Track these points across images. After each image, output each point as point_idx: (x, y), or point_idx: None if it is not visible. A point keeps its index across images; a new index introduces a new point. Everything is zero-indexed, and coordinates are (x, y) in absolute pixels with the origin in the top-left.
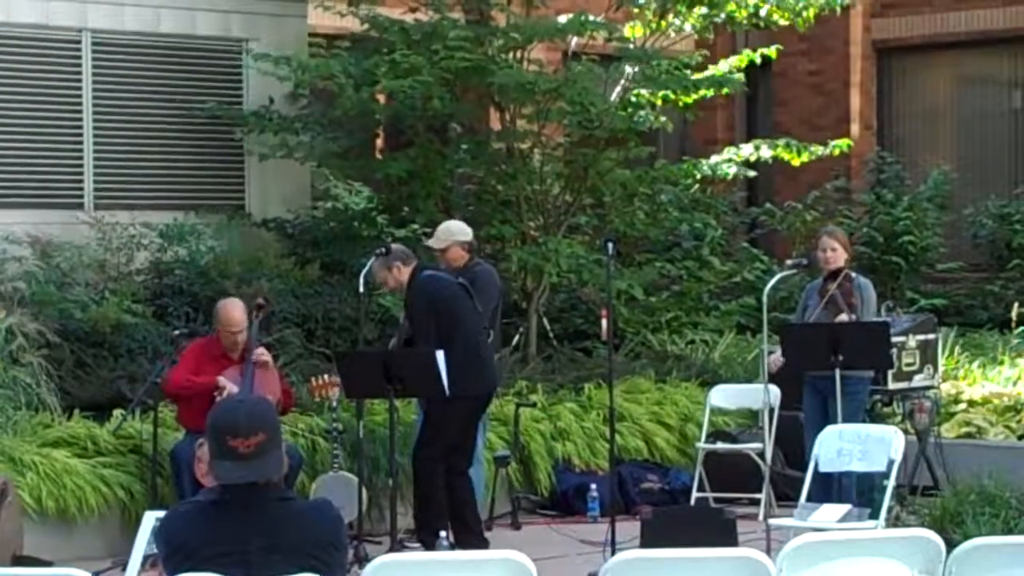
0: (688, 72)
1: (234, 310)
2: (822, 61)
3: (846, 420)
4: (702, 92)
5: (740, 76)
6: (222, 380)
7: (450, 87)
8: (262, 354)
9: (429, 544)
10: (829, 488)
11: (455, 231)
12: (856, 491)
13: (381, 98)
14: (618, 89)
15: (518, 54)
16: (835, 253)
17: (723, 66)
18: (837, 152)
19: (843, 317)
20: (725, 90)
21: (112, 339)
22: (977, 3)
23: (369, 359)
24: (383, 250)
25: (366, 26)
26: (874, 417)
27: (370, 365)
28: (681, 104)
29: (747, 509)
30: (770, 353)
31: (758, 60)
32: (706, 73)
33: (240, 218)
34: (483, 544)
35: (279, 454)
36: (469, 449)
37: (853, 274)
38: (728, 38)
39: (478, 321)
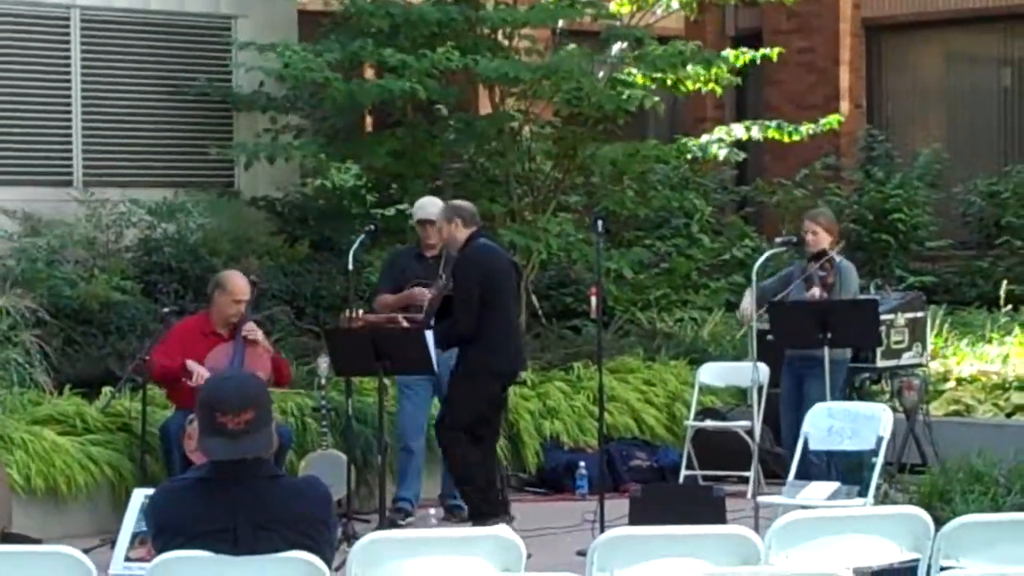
0: (679, 51)
1: (241, 279)
2: (811, 39)
3: (819, 401)
4: (696, 84)
5: (731, 64)
6: (190, 363)
7: (437, 78)
8: (252, 330)
9: (479, 513)
10: (807, 466)
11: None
12: (838, 469)
13: (368, 73)
14: (605, 68)
15: (507, 31)
16: (816, 236)
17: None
18: (828, 128)
19: (814, 292)
20: (719, 89)
21: (101, 316)
22: None
23: (358, 336)
24: (372, 227)
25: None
26: (863, 395)
27: (359, 342)
28: (671, 82)
29: (736, 487)
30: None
31: (757, 60)
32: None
33: (230, 196)
34: (494, 500)
35: (269, 431)
36: (496, 424)
37: (837, 257)
38: (717, 17)
39: (516, 301)
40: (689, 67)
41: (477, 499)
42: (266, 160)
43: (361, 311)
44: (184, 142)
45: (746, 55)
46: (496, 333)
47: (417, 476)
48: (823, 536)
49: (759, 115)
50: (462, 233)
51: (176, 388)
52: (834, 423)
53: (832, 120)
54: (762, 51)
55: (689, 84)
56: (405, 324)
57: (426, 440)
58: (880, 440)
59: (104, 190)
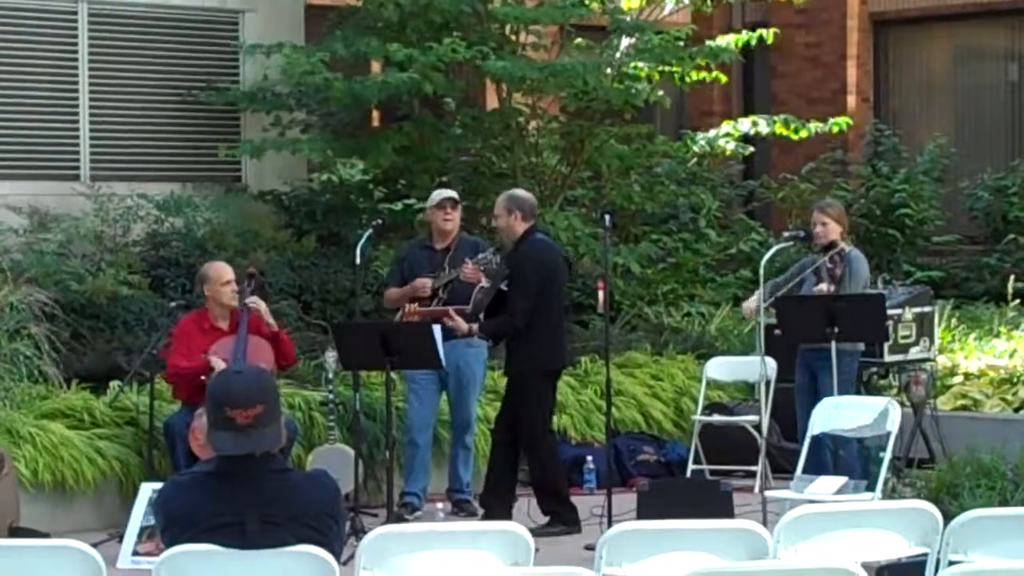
0: (682, 44)
1: (219, 263)
2: (819, 34)
3: (829, 395)
4: (702, 74)
5: (735, 49)
6: (214, 360)
7: (443, 71)
8: (255, 301)
9: (559, 513)
10: (824, 460)
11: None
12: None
13: (375, 67)
14: (614, 62)
15: (515, 26)
16: (825, 228)
17: (720, 42)
18: (836, 130)
19: (821, 287)
20: (723, 77)
21: (108, 311)
22: None
23: (366, 331)
24: (379, 222)
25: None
26: (870, 389)
27: (367, 337)
28: (677, 79)
29: (743, 481)
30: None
31: (753, 42)
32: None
33: (237, 190)
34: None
35: (277, 426)
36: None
37: (846, 248)
38: (724, 12)
39: (564, 296)
40: (697, 60)
41: (567, 507)
42: (273, 150)
43: (416, 305)
44: (191, 136)
45: (745, 36)
46: (547, 329)
47: (424, 470)
48: (831, 531)
49: (766, 109)
50: (520, 226)
51: (184, 385)
52: (840, 416)
53: (841, 122)
54: (759, 32)
55: (694, 74)
56: (455, 316)
57: (433, 435)
58: (888, 435)
59: (111, 184)
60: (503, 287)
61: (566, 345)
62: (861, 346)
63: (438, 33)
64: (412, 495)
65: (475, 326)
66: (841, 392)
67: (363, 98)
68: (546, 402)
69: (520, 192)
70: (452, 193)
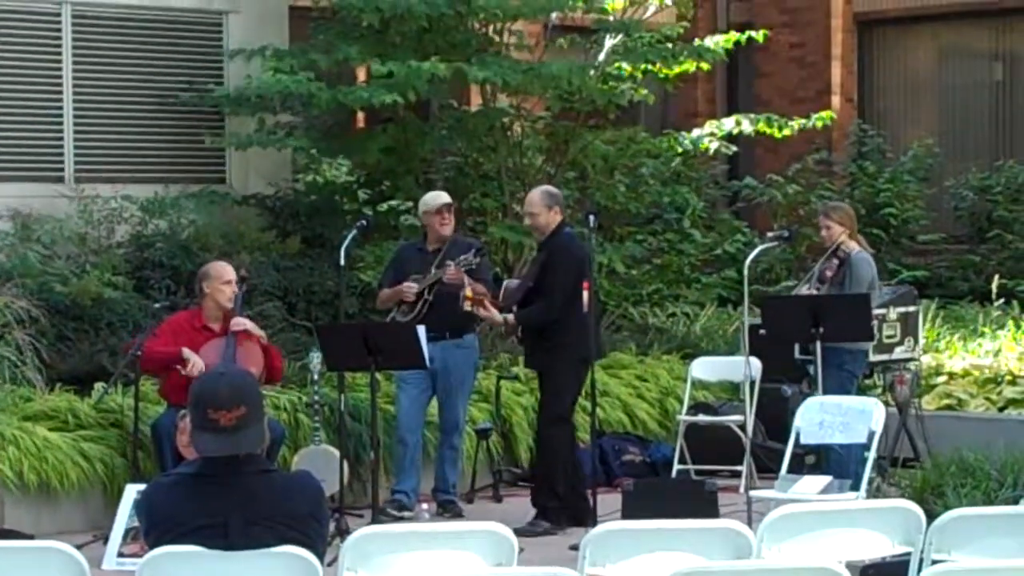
0: (668, 44)
1: (223, 263)
2: (803, 34)
3: (834, 393)
4: (684, 66)
5: (720, 50)
6: (186, 352)
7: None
8: (239, 323)
9: (548, 509)
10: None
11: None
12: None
13: (361, 74)
14: (598, 64)
15: (498, 26)
16: (829, 231)
17: (708, 42)
18: (820, 125)
19: (802, 289)
20: (705, 65)
21: (93, 312)
22: None
23: (350, 331)
24: (363, 223)
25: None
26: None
27: (351, 337)
28: (662, 75)
29: (728, 481)
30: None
31: (744, 41)
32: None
33: (221, 192)
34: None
35: (260, 427)
36: None
37: (848, 250)
38: (709, 12)
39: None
40: (683, 65)
41: (559, 506)
42: (258, 147)
43: (471, 290)
44: (176, 138)
45: (734, 36)
46: (586, 320)
47: (414, 469)
48: (815, 530)
49: (750, 110)
50: (556, 219)
51: (168, 382)
52: (825, 417)
53: (824, 116)
54: (748, 32)
55: (677, 68)
56: (490, 307)
57: (422, 434)
58: (872, 434)
59: (96, 186)
60: (530, 283)
61: (598, 338)
62: (867, 345)
63: (420, 36)
64: (401, 493)
65: (510, 316)
66: (842, 392)
67: (345, 105)
68: (573, 391)
69: (551, 187)
70: (448, 198)
